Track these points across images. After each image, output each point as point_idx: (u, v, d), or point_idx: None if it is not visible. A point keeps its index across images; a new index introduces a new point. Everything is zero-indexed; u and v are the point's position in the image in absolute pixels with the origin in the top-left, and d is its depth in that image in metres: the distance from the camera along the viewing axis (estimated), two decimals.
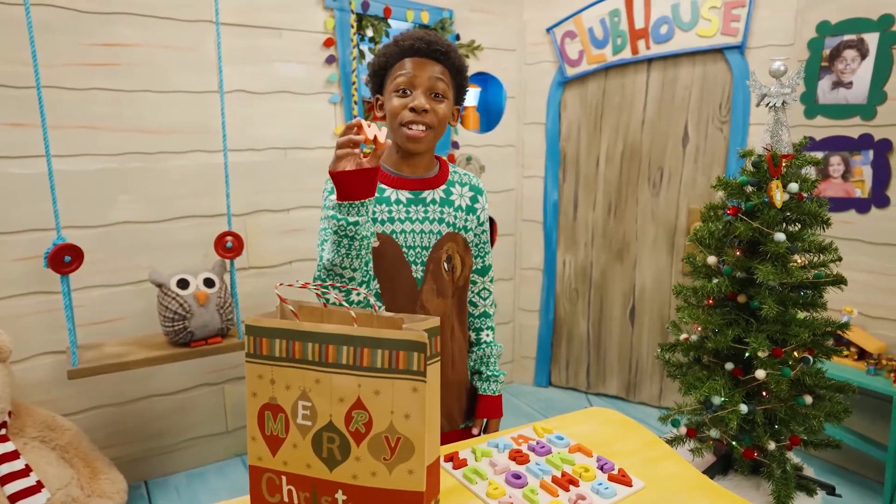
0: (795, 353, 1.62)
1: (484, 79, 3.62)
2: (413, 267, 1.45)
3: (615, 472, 1.37)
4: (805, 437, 1.67)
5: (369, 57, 3.17)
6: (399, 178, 1.44)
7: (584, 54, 3.37)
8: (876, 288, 2.72)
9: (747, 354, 1.59)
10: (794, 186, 1.56)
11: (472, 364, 1.60)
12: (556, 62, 3.49)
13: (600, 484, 1.32)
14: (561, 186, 3.63)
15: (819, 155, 2.85)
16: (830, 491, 1.75)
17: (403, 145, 1.39)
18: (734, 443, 1.66)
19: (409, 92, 1.36)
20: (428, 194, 1.45)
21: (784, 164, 1.58)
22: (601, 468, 1.39)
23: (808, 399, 1.64)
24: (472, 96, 3.56)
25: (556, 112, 3.54)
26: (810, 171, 1.72)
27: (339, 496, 1.08)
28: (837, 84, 2.77)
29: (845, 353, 2.73)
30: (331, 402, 1.07)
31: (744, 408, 1.58)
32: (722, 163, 3.15)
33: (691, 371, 1.72)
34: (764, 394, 1.62)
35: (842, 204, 2.81)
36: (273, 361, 1.09)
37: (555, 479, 1.33)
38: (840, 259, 1.68)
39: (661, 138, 3.31)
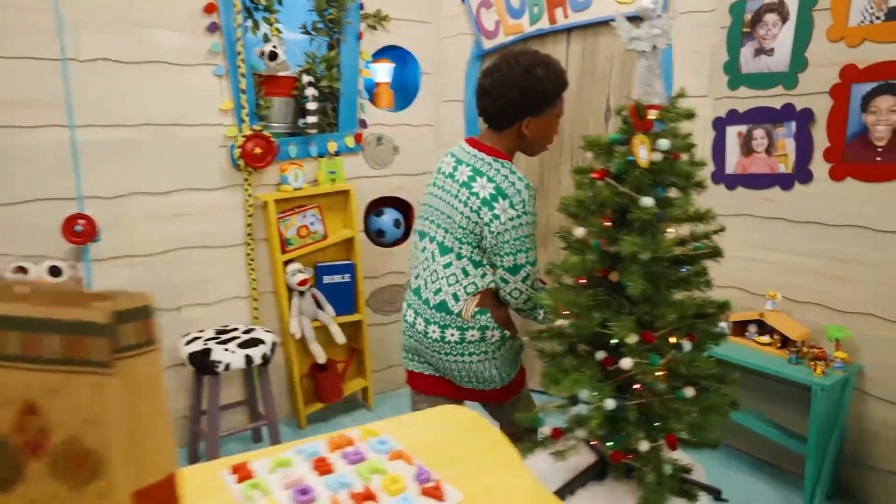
0: (673, 339, 1.41)
1: (402, 54, 3.37)
2: None
3: (430, 484, 1.14)
4: (685, 436, 1.45)
5: (264, 27, 2.91)
6: None
7: (501, 25, 3.14)
8: (801, 270, 2.53)
9: (615, 341, 1.37)
10: (664, 143, 1.34)
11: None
12: (473, 34, 3.26)
13: (405, 499, 1.09)
14: None
15: (743, 129, 2.64)
16: (717, 496, 1.54)
17: (542, 151, 1.97)
18: (609, 444, 1.45)
19: None
20: None
21: (654, 117, 1.36)
22: (417, 478, 1.15)
23: (690, 392, 1.42)
24: (385, 72, 3.31)
25: (474, 88, 3.29)
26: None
27: None
28: (759, 51, 2.58)
29: (768, 340, 2.54)
30: None
31: (610, 403, 1.36)
32: None
33: (559, 362, 1.49)
34: (637, 386, 1.41)
35: (765, 180, 2.62)
36: None
37: (352, 495, 1.10)
38: (722, 229, 1.47)
39: (582, 113, 3.10)
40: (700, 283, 1.46)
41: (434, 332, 1.80)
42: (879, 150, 2.25)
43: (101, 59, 2.47)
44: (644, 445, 1.40)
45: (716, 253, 1.44)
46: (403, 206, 3.44)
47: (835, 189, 2.39)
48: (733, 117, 2.68)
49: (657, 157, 1.37)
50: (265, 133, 2.80)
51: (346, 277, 3.11)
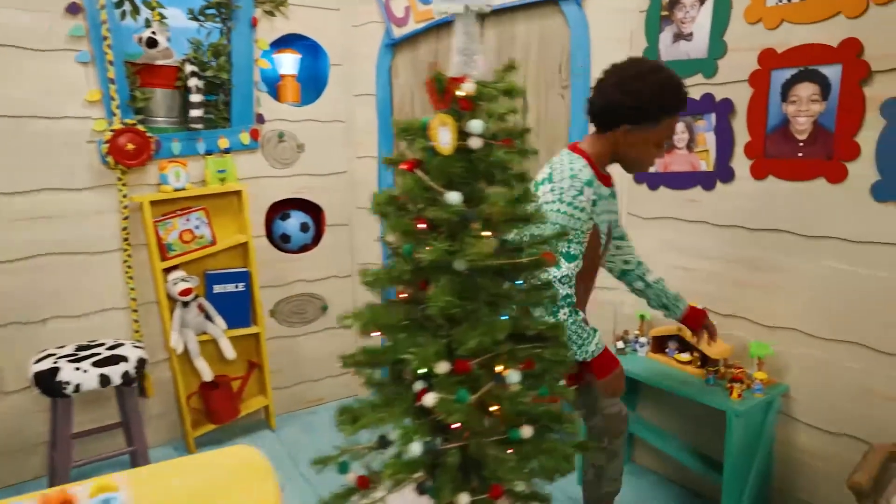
0: (501, 369, 1.14)
1: (313, 45, 3.11)
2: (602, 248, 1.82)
3: None
4: (516, 489, 1.18)
5: (146, 13, 2.64)
6: (607, 177, 1.79)
7: (411, 11, 2.88)
8: (724, 279, 2.27)
9: (422, 370, 1.10)
10: (476, 125, 1.07)
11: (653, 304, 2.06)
12: (384, 22, 2.99)
13: None
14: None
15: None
16: None
17: (639, 170, 1.84)
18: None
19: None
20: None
21: (466, 93, 1.10)
22: None
23: (527, 432, 1.16)
24: (290, 63, 3.05)
25: (386, 80, 3.05)
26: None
27: None
28: (678, 36, 2.32)
29: (688, 358, 2.28)
30: None
31: (415, 447, 1.10)
32: (563, 136, 2.68)
33: (381, 392, 1.23)
34: (456, 426, 1.14)
35: (687, 179, 2.36)
36: None
37: None
38: (564, 234, 1.21)
39: None
40: (543, 299, 1.20)
41: None
42: (801, 143, 1.99)
43: None
44: (464, 499, 1.13)
45: (541, 263, 1.18)
46: (314, 209, 3.17)
47: (757, 188, 2.14)
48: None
49: (476, 143, 1.11)
50: (140, 127, 2.53)
51: (240, 286, 2.84)
